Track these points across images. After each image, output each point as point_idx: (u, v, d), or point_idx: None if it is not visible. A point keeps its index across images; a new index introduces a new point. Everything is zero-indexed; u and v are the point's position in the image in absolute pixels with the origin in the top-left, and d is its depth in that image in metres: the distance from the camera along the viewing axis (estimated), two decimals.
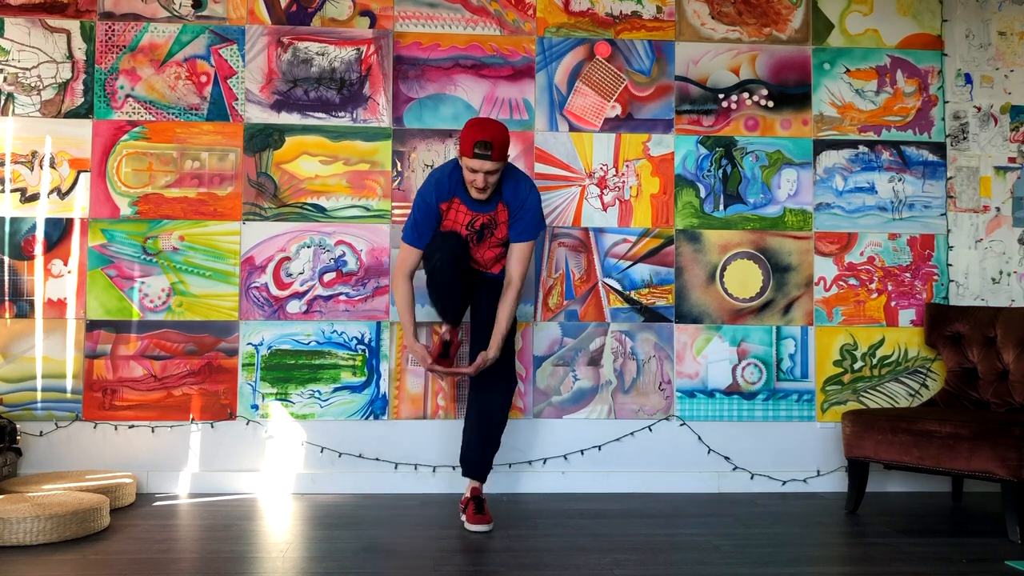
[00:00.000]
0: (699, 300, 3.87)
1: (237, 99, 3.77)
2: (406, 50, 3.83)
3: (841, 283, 3.92)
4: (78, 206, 3.70)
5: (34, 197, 3.69)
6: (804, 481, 3.83)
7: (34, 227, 3.68)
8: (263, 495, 3.63)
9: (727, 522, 3.25)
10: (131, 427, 3.66)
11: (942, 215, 3.97)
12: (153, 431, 3.67)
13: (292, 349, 3.73)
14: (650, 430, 3.82)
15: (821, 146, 3.94)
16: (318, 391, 3.73)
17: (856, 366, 3.89)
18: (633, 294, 3.84)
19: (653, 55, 3.91)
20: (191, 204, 3.73)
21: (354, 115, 3.80)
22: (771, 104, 3.93)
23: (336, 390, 3.73)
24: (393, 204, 3.78)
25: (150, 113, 3.74)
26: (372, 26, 3.82)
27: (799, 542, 3.01)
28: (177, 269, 3.71)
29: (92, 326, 3.67)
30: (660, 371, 3.84)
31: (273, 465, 3.69)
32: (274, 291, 3.73)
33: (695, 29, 3.93)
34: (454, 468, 3.69)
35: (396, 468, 3.69)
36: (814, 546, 3.00)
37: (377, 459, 3.72)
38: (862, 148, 3.96)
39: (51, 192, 3.70)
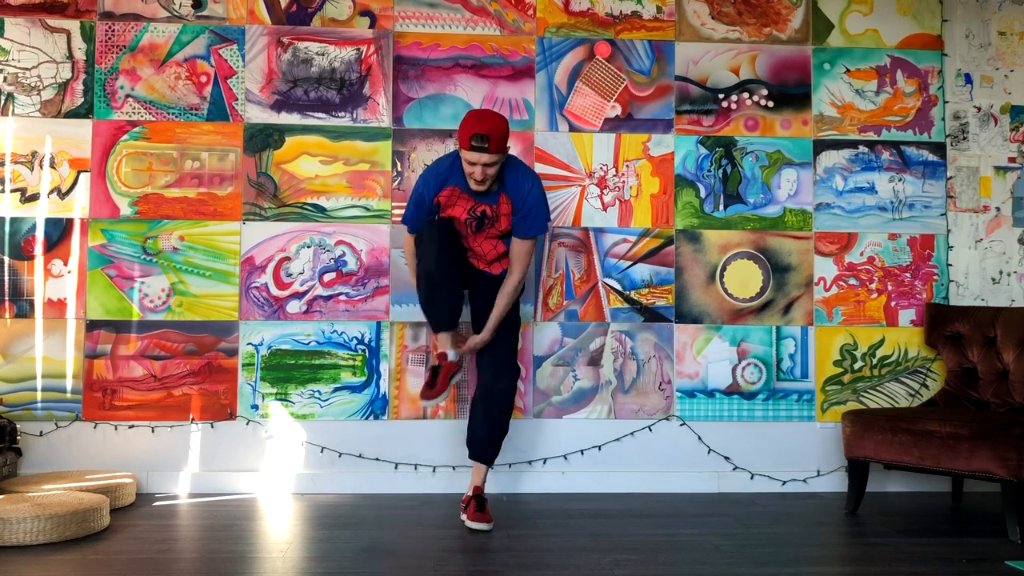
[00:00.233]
0: (699, 300, 3.87)
1: (237, 99, 3.77)
2: (406, 50, 3.83)
3: (841, 283, 3.92)
4: (78, 206, 3.70)
5: (34, 197, 3.69)
6: (804, 481, 3.83)
7: (34, 227, 3.68)
8: (263, 495, 3.63)
9: (727, 522, 3.25)
10: (131, 427, 3.66)
11: (942, 215, 3.97)
12: (153, 431, 3.67)
13: (292, 349, 3.73)
14: (650, 430, 3.82)
15: (821, 146, 3.94)
16: (318, 391, 3.73)
17: (856, 366, 3.89)
18: (633, 294, 3.84)
19: (653, 55, 3.91)
20: (191, 204, 3.73)
21: (354, 115, 3.80)
22: (771, 104, 3.93)
23: (336, 390, 3.73)
24: (393, 204, 3.78)
25: (150, 113, 3.74)
26: (372, 26, 3.82)
27: (799, 542, 3.01)
28: (177, 269, 3.71)
29: (92, 326, 3.67)
30: (660, 371, 3.84)
31: (273, 465, 3.69)
32: (274, 291, 3.73)
33: (695, 29, 3.93)
34: (454, 468, 3.69)
35: (396, 468, 3.69)
36: (814, 546, 3.00)
37: (377, 459, 3.72)
38: (862, 148, 3.96)
39: (51, 192, 3.70)
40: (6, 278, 3.65)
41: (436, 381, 3.16)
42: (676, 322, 3.86)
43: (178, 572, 2.58)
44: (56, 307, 3.66)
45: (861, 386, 3.90)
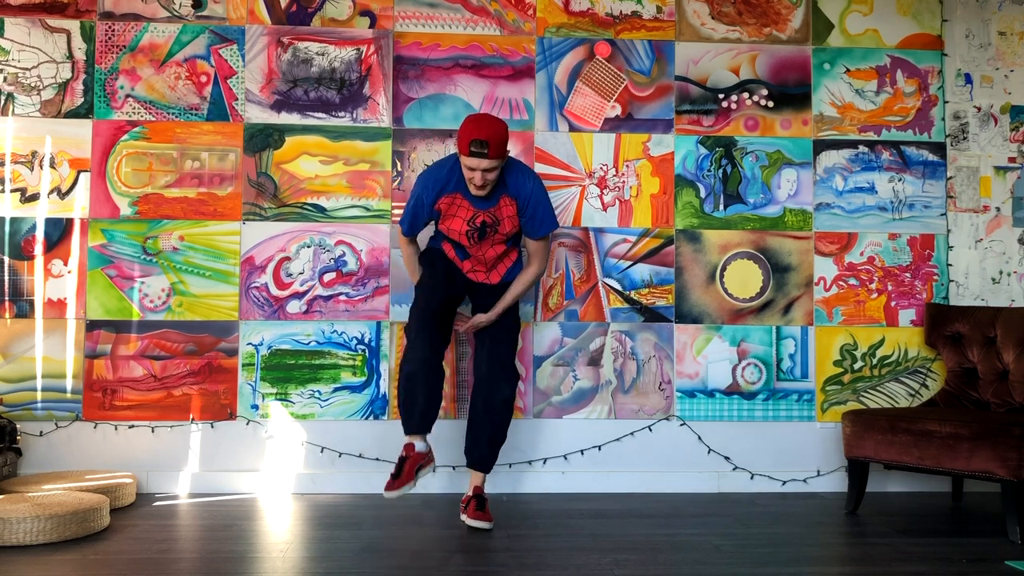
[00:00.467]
0: (699, 300, 3.87)
1: (237, 99, 3.77)
2: (406, 50, 3.83)
3: (841, 283, 3.92)
4: (78, 206, 3.70)
5: (34, 197, 3.69)
6: (804, 481, 3.83)
7: (34, 227, 3.68)
8: (263, 495, 3.63)
9: (727, 522, 3.25)
10: (131, 427, 3.66)
11: (942, 215, 3.97)
12: (153, 431, 3.67)
13: (292, 349, 3.73)
14: (650, 430, 3.82)
15: (821, 146, 3.94)
16: (318, 391, 3.73)
17: (856, 366, 3.89)
18: (633, 294, 3.84)
19: (653, 55, 3.91)
20: (191, 204, 3.73)
21: (354, 115, 3.80)
22: (771, 104, 3.93)
23: (336, 390, 3.73)
24: (393, 204, 3.78)
25: (150, 113, 3.74)
26: (372, 26, 3.82)
27: (799, 542, 3.01)
28: (177, 269, 3.71)
29: (92, 326, 3.67)
30: (660, 371, 3.84)
31: (273, 465, 3.69)
32: (274, 291, 3.73)
33: (695, 29, 3.93)
34: (454, 468, 3.69)
35: None
36: (814, 546, 3.00)
37: (377, 459, 3.71)
38: (862, 148, 3.96)
39: (51, 192, 3.70)
40: (6, 278, 3.65)
41: (402, 472, 2.99)
42: (676, 322, 3.86)
43: (178, 572, 2.58)
44: (56, 307, 3.66)
45: (861, 386, 3.90)
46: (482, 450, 3.24)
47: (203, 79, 3.77)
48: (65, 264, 3.68)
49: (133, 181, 3.72)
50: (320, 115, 3.79)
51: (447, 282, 3.26)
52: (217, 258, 3.72)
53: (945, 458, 3.16)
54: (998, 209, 3.98)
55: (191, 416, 3.68)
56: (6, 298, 3.65)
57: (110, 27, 3.74)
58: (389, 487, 2.98)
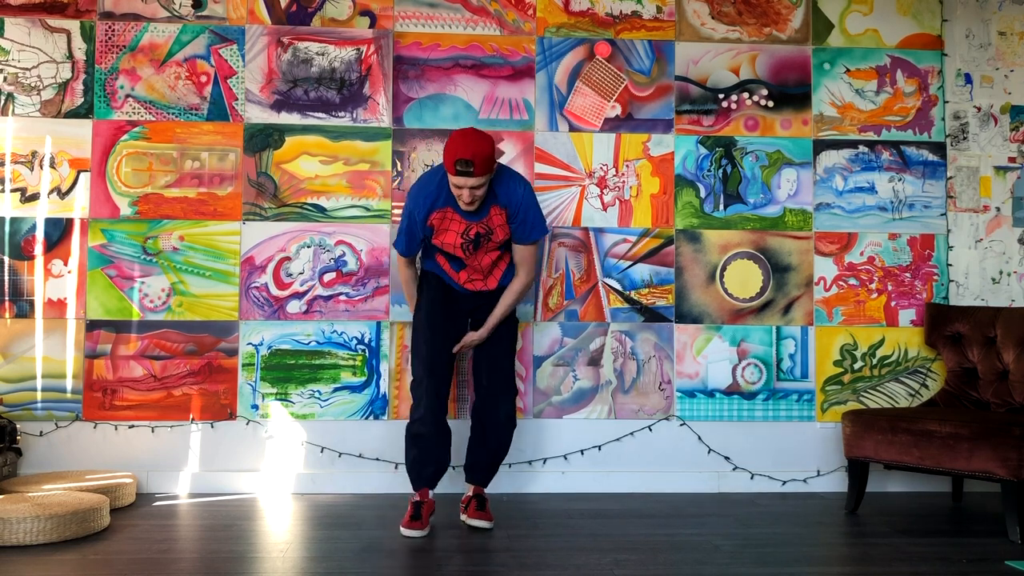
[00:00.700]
0: (699, 300, 3.87)
1: (237, 99, 3.77)
2: (406, 50, 3.83)
3: (841, 283, 3.92)
4: (78, 206, 3.70)
5: (34, 197, 3.69)
6: (804, 481, 3.83)
7: (34, 227, 3.68)
8: (263, 495, 3.63)
9: (727, 522, 3.25)
10: (131, 427, 3.66)
11: (942, 215, 3.97)
12: (153, 431, 3.67)
13: (292, 349, 3.73)
14: (650, 430, 3.82)
15: (821, 146, 3.94)
16: (318, 391, 3.73)
17: (856, 366, 3.89)
18: (633, 294, 3.84)
19: (653, 55, 3.91)
20: (191, 204, 3.73)
21: (354, 115, 3.80)
22: (771, 104, 3.93)
23: (336, 390, 3.74)
24: (393, 204, 3.78)
25: (150, 113, 3.74)
26: (372, 26, 3.82)
27: (799, 542, 3.01)
28: (177, 269, 3.71)
29: (92, 326, 3.67)
30: (660, 371, 3.84)
31: (273, 465, 3.69)
32: (274, 291, 3.73)
33: (695, 29, 3.93)
34: (454, 468, 3.68)
35: (396, 468, 3.69)
36: (814, 546, 3.00)
37: (377, 459, 3.72)
38: (862, 148, 3.96)
39: (51, 192, 3.70)
40: (6, 278, 3.65)
41: (420, 516, 3.04)
42: (676, 322, 3.86)
43: (178, 572, 2.58)
44: (56, 307, 3.66)
45: (861, 386, 3.90)
46: (484, 471, 3.25)
47: (203, 79, 3.77)
48: (65, 264, 3.68)
49: (133, 181, 3.72)
50: (320, 115, 3.79)
51: (447, 319, 3.20)
52: (217, 258, 3.72)
53: (945, 458, 3.16)
54: (998, 209, 3.98)
55: (191, 416, 3.68)
56: (6, 298, 3.65)
57: (110, 27, 3.74)
58: (411, 526, 3.01)
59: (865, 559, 2.80)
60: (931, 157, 3.97)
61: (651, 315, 3.85)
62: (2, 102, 3.70)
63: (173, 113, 3.75)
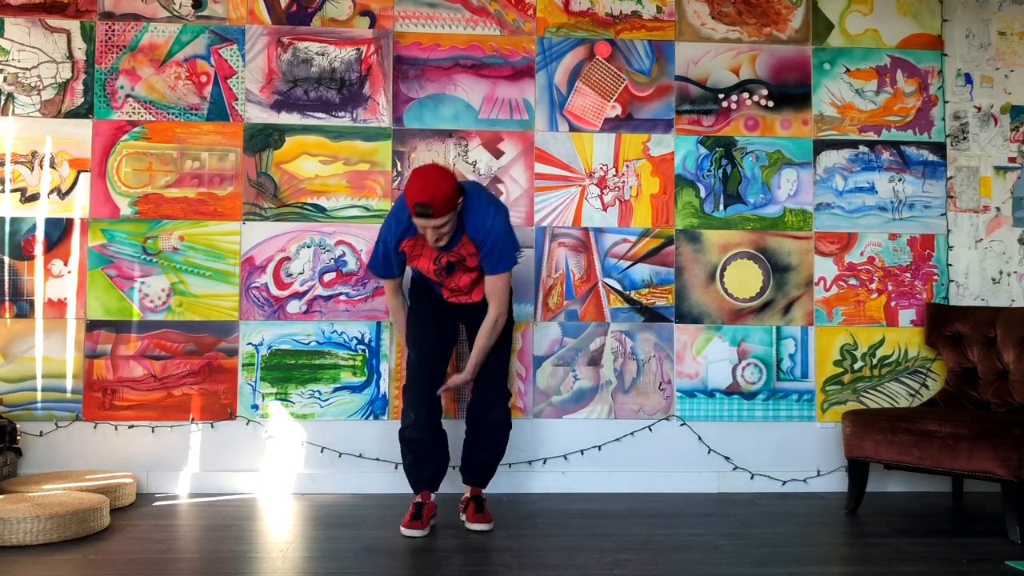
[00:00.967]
0: (699, 300, 3.87)
1: (237, 99, 3.77)
2: (406, 50, 3.83)
3: (841, 283, 3.92)
4: (78, 206, 3.70)
5: (34, 197, 3.69)
6: (804, 481, 3.83)
7: (34, 227, 3.68)
8: (263, 495, 3.63)
9: (727, 522, 3.25)
10: (131, 427, 3.66)
11: (942, 215, 3.97)
12: (153, 431, 3.67)
13: (292, 349, 3.73)
14: (650, 430, 3.82)
15: (821, 146, 3.94)
16: (318, 391, 3.73)
17: (856, 366, 3.89)
18: (633, 294, 3.84)
19: (653, 55, 3.91)
20: (191, 204, 3.73)
21: (354, 115, 3.80)
22: (771, 104, 3.93)
23: (336, 390, 3.73)
24: (393, 204, 3.78)
25: (150, 113, 3.74)
26: (372, 26, 3.82)
27: (799, 542, 3.01)
28: (177, 269, 3.71)
29: (92, 326, 3.67)
30: (660, 371, 3.84)
31: (273, 465, 3.69)
32: (274, 291, 3.73)
33: (695, 29, 3.93)
34: (454, 468, 3.68)
35: (396, 468, 3.69)
36: (814, 546, 3.00)
37: (377, 459, 3.72)
38: (862, 148, 3.96)
39: (51, 192, 3.70)
40: (6, 278, 3.65)
41: (421, 517, 3.04)
42: (676, 322, 3.86)
43: (178, 572, 2.58)
44: (56, 307, 3.66)
45: (861, 386, 3.90)
46: (479, 472, 3.25)
47: (203, 79, 3.77)
48: (65, 264, 3.68)
49: (133, 181, 3.72)
50: (320, 115, 3.79)
51: (439, 324, 3.20)
52: (217, 258, 3.72)
53: (945, 458, 3.16)
54: (998, 209, 3.98)
55: (191, 416, 3.68)
56: (6, 298, 3.65)
57: (110, 27, 3.74)
58: (411, 526, 3.01)
59: (865, 559, 2.80)
60: (931, 157, 3.97)
61: (651, 315, 3.85)
62: (2, 102, 3.70)
63: (173, 113, 3.75)
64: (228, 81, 3.77)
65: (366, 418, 3.74)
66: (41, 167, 3.70)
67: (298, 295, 3.74)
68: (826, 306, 3.90)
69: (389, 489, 3.67)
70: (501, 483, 3.68)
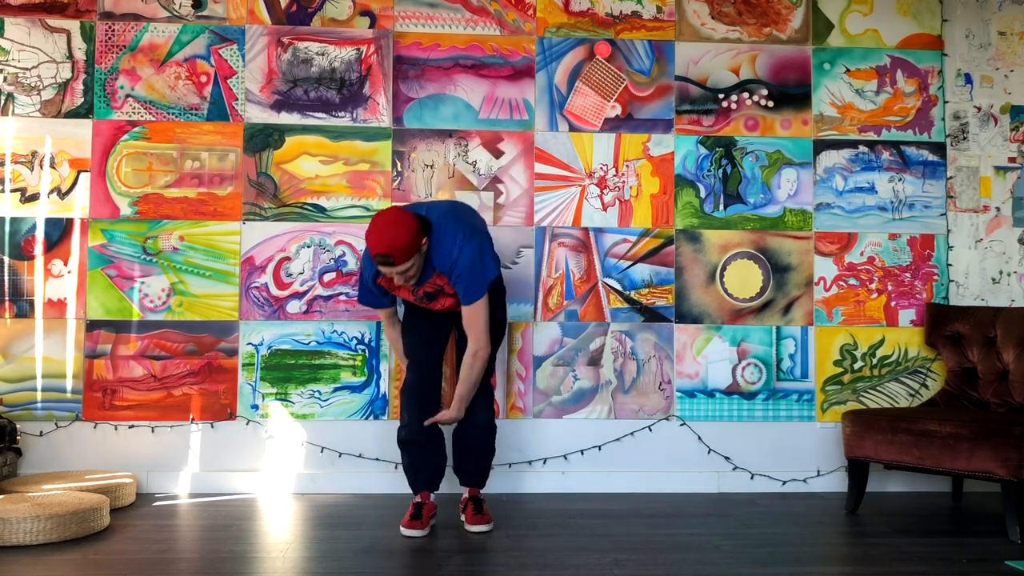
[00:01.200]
0: (699, 300, 3.87)
1: (237, 99, 3.77)
2: (406, 50, 3.83)
3: (841, 283, 3.92)
4: (78, 206, 3.70)
5: (34, 197, 3.69)
6: (804, 481, 3.83)
7: (34, 227, 3.68)
8: (263, 495, 3.63)
9: (727, 522, 3.25)
10: (131, 427, 3.66)
11: (942, 215, 3.97)
12: (153, 431, 3.67)
13: (292, 349, 3.73)
14: (650, 430, 3.82)
15: (821, 146, 3.94)
16: (318, 391, 3.73)
17: (856, 366, 3.89)
18: (633, 294, 3.84)
19: (653, 55, 3.91)
20: (191, 204, 3.73)
21: (354, 115, 3.80)
22: (771, 104, 3.93)
23: (336, 390, 3.73)
24: (393, 204, 3.78)
25: (150, 113, 3.74)
26: (372, 26, 3.82)
27: (799, 542, 3.01)
28: (177, 269, 3.71)
29: (92, 326, 3.67)
30: (660, 371, 3.84)
31: (273, 465, 3.69)
32: (274, 291, 3.73)
33: (695, 29, 3.93)
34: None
35: (396, 468, 3.69)
36: (814, 546, 3.00)
37: (377, 459, 3.72)
38: (862, 148, 3.96)
39: (51, 192, 3.70)
40: (6, 278, 3.65)
41: (420, 517, 3.04)
42: (676, 322, 3.86)
43: (178, 572, 2.58)
44: (56, 307, 3.66)
45: (861, 386, 3.90)
46: (473, 474, 3.24)
47: (203, 79, 3.77)
48: (65, 264, 3.68)
49: (133, 181, 3.72)
50: (320, 115, 3.79)
51: (432, 326, 3.20)
52: (217, 258, 3.72)
53: (945, 458, 3.16)
54: (998, 209, 3.98)
55: (191, 416, 3.68)
56: (6, 298, 3.65)
57: (110, 27, 3.74)
58: (411, 526, 3.01)
59: (865, 559, 2.80)
60: (931, 157, 3.97)
61: (651, 315, 3.85)
62: (2, 102, 3.70)
63: (173, 113, 3.75)
64: (228, 81, 3.77)
65: (366, 418, 3.74)
66: (41, 167, 3.70)
67: (298, 295, 3.74)
68: (826, 306, 3.90)
69: (389, 489, 3.67)
70: (501, 483, 3.68)
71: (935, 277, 3.95)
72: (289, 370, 3.72)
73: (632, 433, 3.81)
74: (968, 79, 4.01)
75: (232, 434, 3.69)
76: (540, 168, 3.83)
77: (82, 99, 3.72)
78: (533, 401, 3.79)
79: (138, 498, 3.53)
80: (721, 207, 3.90)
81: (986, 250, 3.96)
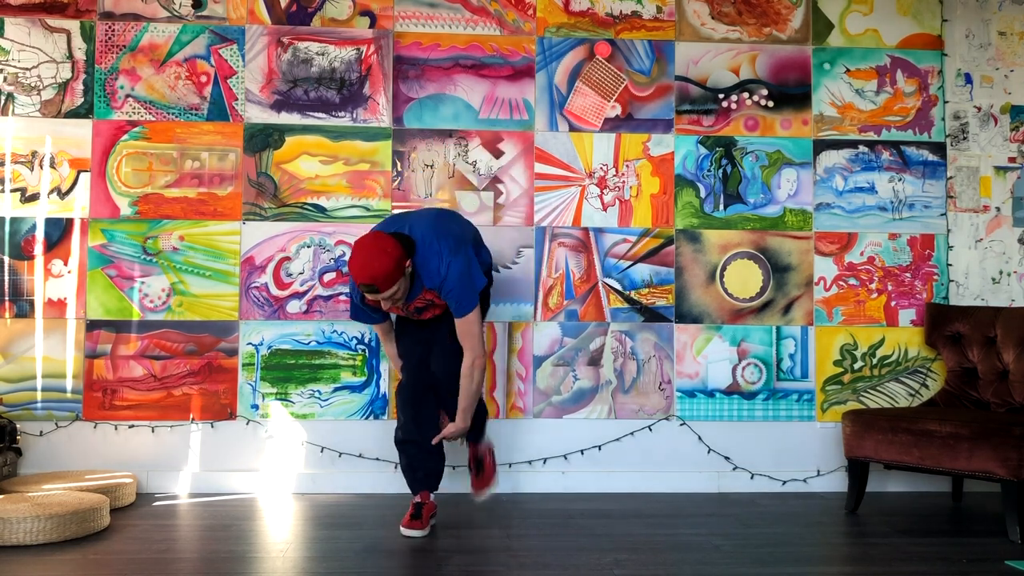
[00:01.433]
0: (699, 300, 3.87)
1: (237, 99, 3.77)
2: (406, 50, 3.83)
3: (841, 283, 3.92)
4: (78, 206, 3.70)
5: (34, 197, 3.69)
6: (804, 481, 3.83)
7: (34, 227, 3.68)
8: (263, 495, 3.63)
9: (727, 522, 3.25)
10: (131, 427, 3.66)
11: (942, 215, 3.97)
12: (153, 431, 3.67)
13: (292, 349, 3.73)
14: (650, 430, 3.82)
15: (821, 146, 3.94)
16: (318, 391, 3.73)
17: (856, 366, 3.89)
18: (633, 294, 3.84)
19: (653, 55, 3.91)
20: (191, 204, 3.73)
21: (354, 115, 3.80)
22: (771, 104, 3.93)
23: (336, 390, 3.73)
24: (393, 204, 3.78)
25: (150, 113, 3.74)
26: (372, 26, 3.82)
27: (799, 542, 3.01)
28: (177, 269, 3.71)
29: (92, 326, 3.67)
30: (660, 371, 3.84)
31: (273, 465, 3.69)
32: (274, 291, 3.73)
33: (695, 29, 3.93)
34: (454, 468, 3.68)
35: (396, 468, 3.69)
36: (814, 546, 3.00)
37: (377, 459, 3.71)
38: (862, 148, 3.96)
39: (51, 192, 3.70)
40: (6, 278, 3.65)
41: (420, 516, 3.04)
42: (676, 322, 3.86)
43: (178, 572, 2.58)
44: (56, 307, 3.66)
45: (861, 386, 3.90)
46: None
47: (203, 79, 3.77)
48: (65, 264, 3.68)
49: (133, 181, 3.72)
50: (320, 115, 3.79)
51: (423, 326, 3.19)
52: (217, 258, 3.72)
53: (945, 458, 3.16)
54: (998, 209, 3.98)
55: (191, 416, 3.68)
56: (6, 298, 3.65)
57: (110, 27, 3.74)
58: (411, 526, 3.01)
59: (865, 559, 2.80)
60: (931, 157, 3.97)
61: (651, 315, 3.85)
62: (2, 102, 3.70)
63: (173, 113, 3.75)
64: (228, 81, 3.77)
65: (366, 418, 3.74)
66: (41, 167, 3.70)
67: (298, 295, 3.74)
68: (826, 306, 3.90)
69: (389, 489, 3.67)
70: (501, 483, 3.68)
71: (935, 277, 3.95)
72: (289, 370, 3.72)
73: (632, 433, 3.81)
74: (968, 79, 4.01)
75: (232, 434, 3.69)
76: (540, 168, 3.83)
77: (82, 99, 3.72)
78: (533, 401, 3.79)
79: (138, 498, 3.53)
80: (721, 207, 3.90)
81: (986, 250, 3.96)
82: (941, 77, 4.00)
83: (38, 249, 3.68)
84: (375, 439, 3.72)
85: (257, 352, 3.71)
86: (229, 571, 2.58)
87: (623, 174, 3.87)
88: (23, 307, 3.66)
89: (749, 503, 3.59)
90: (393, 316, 3.31)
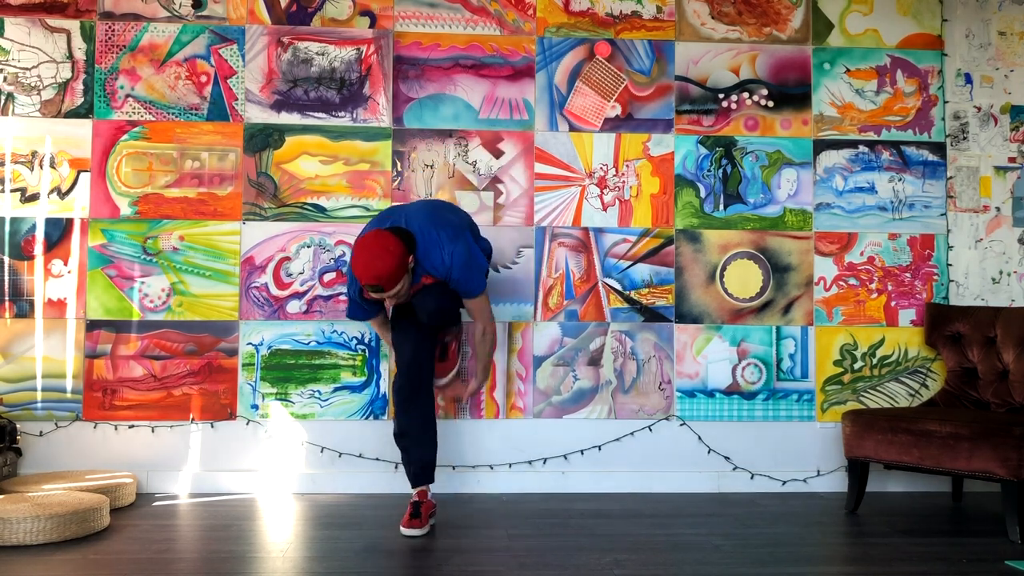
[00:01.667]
0: (699, 300, 3.87)
1: (237, 99, 3.77)
2: (406, 50, 3.83)
3: (841, 283, 3.92)
4: (78, 206, 3.70)
5: (34, 197, 3.69)
6: (804, 481, 3.83)
7: (34, 227, 3.68)
8: (263, 495, 3.63)
9: (727, 522, 3.25)
10: (131, 427, 3.66)
11: (942, 215, 3.97)
12: (153, 431, 3.67)
13: (292, 349, 3.73)
14: (650, 430, 3.82)
15: (821, 146, 3.94)
16: (318, 391, 3.73)
17: (856, 366, 3.89)
18: (633, 294, 3.84)
19: (653, 55, 3.91)
20: (191, 204, 3.73)
21: (354, 115, 3.80)
22: (771, 104, 3.93)
23: (336, 390, 3.73)
24: (393, 204, 3.78)
25: (150, 113, 3.74)
26: (372, 26, 3.82)
27: (799, 542, 3.01)
28: (177, 269, 3.71)
29: (92, 326, 3.67)
30: (660, 371, 3.84)
31: (273, 465, 3.69)
32: (274, 291, 3.73)
33: (695, 29, 3.93)
34: (454, 468, 3.69)
35: (396, 468, 3.69)
36: (814, 546, 3.00)
37: (377, 459, 3.71)
38: (862, 148, 3.96)
39: (51, 192, 3.69)
40: (6, 278, 3.65)
41: (419, 515, 3.05)
42: (676, 322, 3.86)
43: (178, 572, 2.58)
44: (56, 307, 3.66)
45: (861, 386, 3.90)
46: (435, 318, 3.14)
47: (203, 79, 3.77)
48: (65, 264, 3.68)
49: (133, 181, 3.72)
50: (320, 115, 3.79)
51: (415, 328, 3.19)
52: (217, 258, 3.72)
53: (945, 458, 3.16)
54: (998, 209, 3.98)
55: (191, 416, 3.68)
56: (6, 298, 3.65)
57: (110, 27, 3.74)
58: (411, 525, 3.02)
59: (865, 559, 2.80)
60: (931, 157, 3.97)
61: (651, 315, 3.85)
62: (2, 102, 3.70)
63: (173, 113, 3.75)
64: (228, 81, 3.77)
65: (366, 418, 3.74)
66: (41, 167, 3.70)
67: (298, 295, 3.74)
68: (826, 306, 3.90)
69: (389, 489, 3.67)
70: (501, 483, 3.69)
71: (935, 277, 3.95)
72: (289, 370, 3.72)
73: (632, 433, 3.81)
74: (968, 79, 4.01)
75: (232, 434, 3.69)
76: (540, 168, 3.83)
77: (82, 99, 3.72)
78: (533, 401, 3.79)
79: (138, 498, 3.53)
80: (721, 207, 3.90)
81: (986, 250, 3.96)
82: (941, 77, 4.00)
83: (38, 249, 3.68)
84: (375, 439, 3.71)
85: (257, 352, 3.71)
86: (229, 571, 2.58)
87: (623, 174, 3.87)
88: (23, 307, 3.66)
89: (749, 503, 3.59)
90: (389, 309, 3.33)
